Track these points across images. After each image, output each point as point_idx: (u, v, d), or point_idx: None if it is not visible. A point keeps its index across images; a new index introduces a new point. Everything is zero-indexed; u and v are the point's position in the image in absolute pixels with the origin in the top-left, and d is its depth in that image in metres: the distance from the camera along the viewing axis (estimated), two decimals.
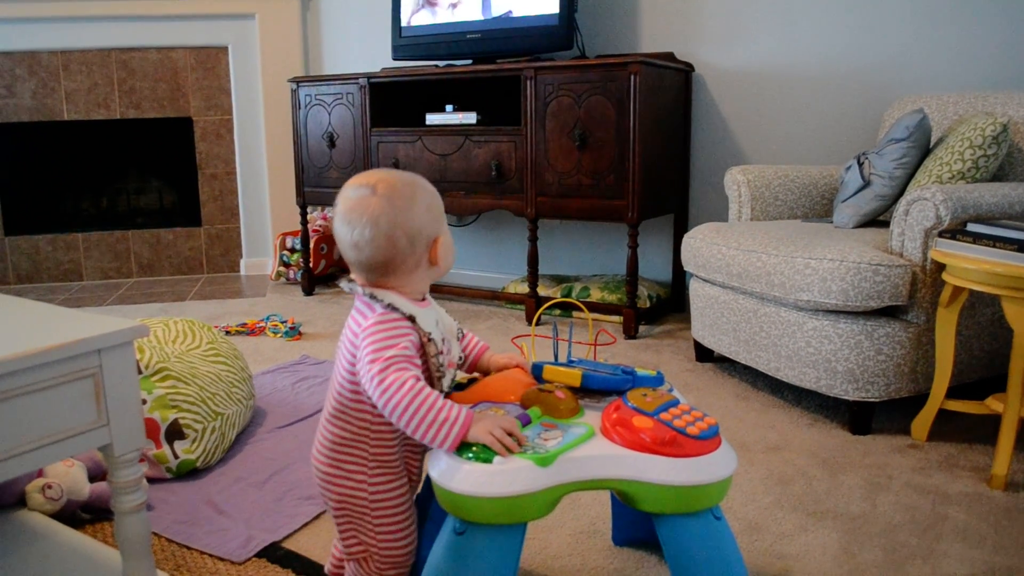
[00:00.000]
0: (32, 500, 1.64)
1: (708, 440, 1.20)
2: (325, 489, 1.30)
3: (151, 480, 1.92)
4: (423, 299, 1.31)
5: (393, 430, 1.26)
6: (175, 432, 1.94)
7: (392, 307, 1.22)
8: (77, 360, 1.19)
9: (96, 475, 1.82)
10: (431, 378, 1.27)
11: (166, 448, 1.93)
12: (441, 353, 1.28)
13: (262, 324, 3.42)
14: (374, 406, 1.21)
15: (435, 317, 1.30)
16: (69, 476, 1.71)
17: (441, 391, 1.28)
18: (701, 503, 1.20)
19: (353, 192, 1.25)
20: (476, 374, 1.45)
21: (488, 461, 1.13)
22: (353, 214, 1.23)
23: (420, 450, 1.34)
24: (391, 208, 1.22)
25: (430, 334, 1.25)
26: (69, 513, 1.70)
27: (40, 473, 1.69)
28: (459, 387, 1.38)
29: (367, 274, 1.27)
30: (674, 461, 1.17)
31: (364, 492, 1.28)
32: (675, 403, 1.26)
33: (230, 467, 2.03)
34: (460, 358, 1.40)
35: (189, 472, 1.97)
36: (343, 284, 1.30)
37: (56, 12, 4.41)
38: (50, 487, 1.66)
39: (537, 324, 3.38)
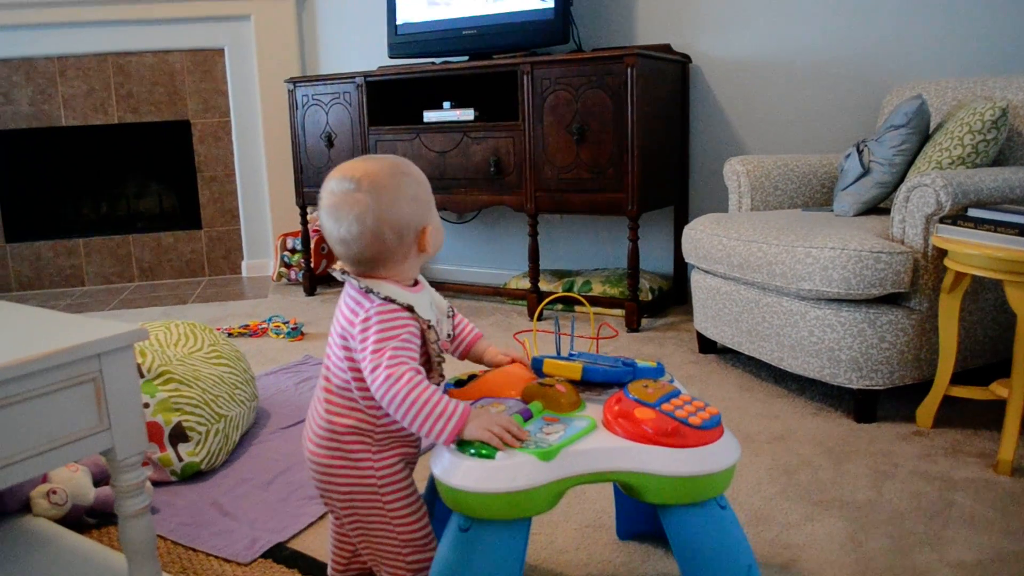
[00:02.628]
0: (37, 506, 1.64)
1: (710, 430, 1.20)
2: (328, 485, 1.28)
3: (156, 483, 1.92)
4: (415, 283, 1.31)
5: (388, 417, 1.26)
6: (179, 435, 1.94)
7: (389, 299, 1.21)
8: (77, 365, 1.19)
9: (101, 480, 1.82)
10: (431, 363, 1.27)
11: (170, 451, 1.93)
12: (441, 336, 1.28)
13: (264, 325, 3.42)
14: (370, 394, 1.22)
15: (429, 300, 1.30)
16: (74, 481, 1.71)
17: (441, 375, 1.29)
18: (705, 493, 1.20)
19: (337, 186, 1.22)
20: (477, 370, 1.44)
21: (491, 457, 1.13)
22: (339, 209, 1.21)
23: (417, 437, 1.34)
24: (376, 202, 1.20)
25: (429, 321, 1.25)
26: (74, 518, 1.70)
27: (45, 479, 1.69)
28: (459, 383, 1.38)
29: (356, 267, 1.27)
30: (677, 452, 1.17)
31: (372, 478, 1.26)
32: (676, 393, 1.26)
33: (234, 469, 2.03)
34: (449, 335, 1.39)
35: (194, 474, 1.97)
36: (335, 272, 1.29)
37: (51, 18, 4.40)
38: (55, 492, 1.65)
39: (539, 319, 3.37)
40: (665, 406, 1.21)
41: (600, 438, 1.20)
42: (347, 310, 1.26)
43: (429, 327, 1.24)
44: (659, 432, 1.17)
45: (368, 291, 1.22)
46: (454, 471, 1.14)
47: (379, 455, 1.27)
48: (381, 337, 1.18)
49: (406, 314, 1.22)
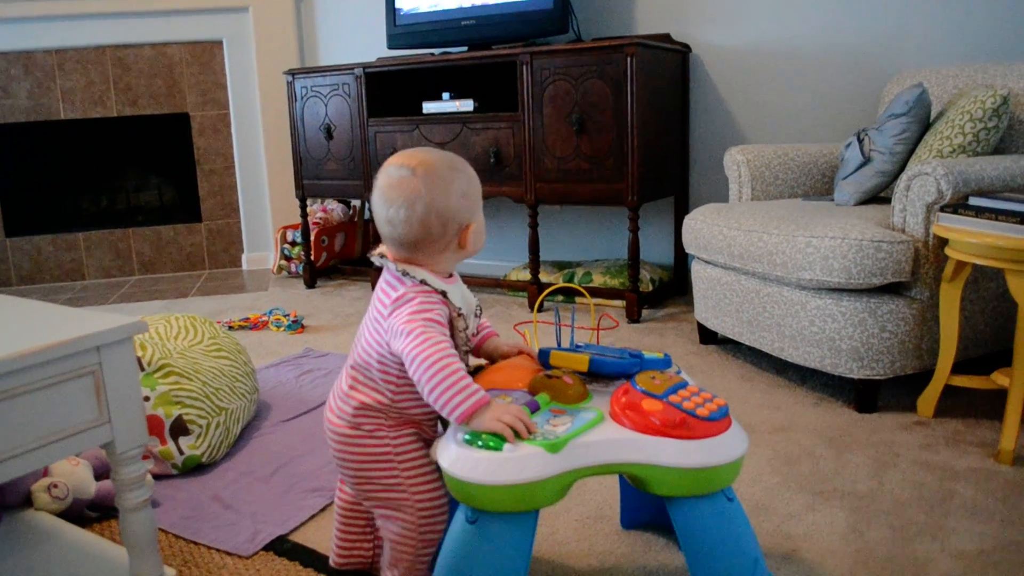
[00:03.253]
0: (38, 500, 1.64)
1: (718, 421, 1.19)
2: (344, 454, 1.32)
3: (157, 477, 1.92)
4: (450, 276, 1.34)
5: (414, 398, 1.28)
6: (179, 428, 1.94)
7: (424, 282, 1.26)
8: (76, 358, 1.19)
9: (102, 473, 1.82)
10: (458, 351, 1.28)
11: (171, 444, 1.93)
12: (468, 328, 1.32)
13: (265, 318, 3.41)
14: (398, 378, 1.26)
15: (460, 293, 1.33)
16: (75, 475, 1.71)
17: (466, 365, 1.31)
18: (713, 485, 1.19)
19: (395, 171, 1.27)
20: (482, 361, 1.44)
21: (498, 449, 1.13)
22: (392, 191, 1.26)
23: (433, 418, 1.36)
24: (428, 191, 1.25)
25: (460, 309, 1.29)
26: (76, 512, 1.70)
27: (46, 472, 1.69)
28: None
29: (397, 249, 1.30)
30: (685, 443, 1.16)
31: (388, 448, 1.30)
32: (684, 385, 1.25)
33: (235, 462, 2.03)
34: (473, 332, 1.41)
35: (195, 468, 1.97)
36: (374, 257, 1.33)
37: (50, 11, 4.39)
38: (56, 486, 1.65)
39: (539, 310, 3.37)
40: (672, 397, 1.21)
41: (608, 430, 1.19)
42: (382, 294, 1.29)
43: (459, 314, 1.28)
44: (667, 424, 1.16)
45: (404, 274, 1.26)
46: (462, 463, 1.14)
47: (395, 429, 1.31)
48: (416, 311, 1.22)
49: (438, 297, 1.26)
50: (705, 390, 1.26)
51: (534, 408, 1.21)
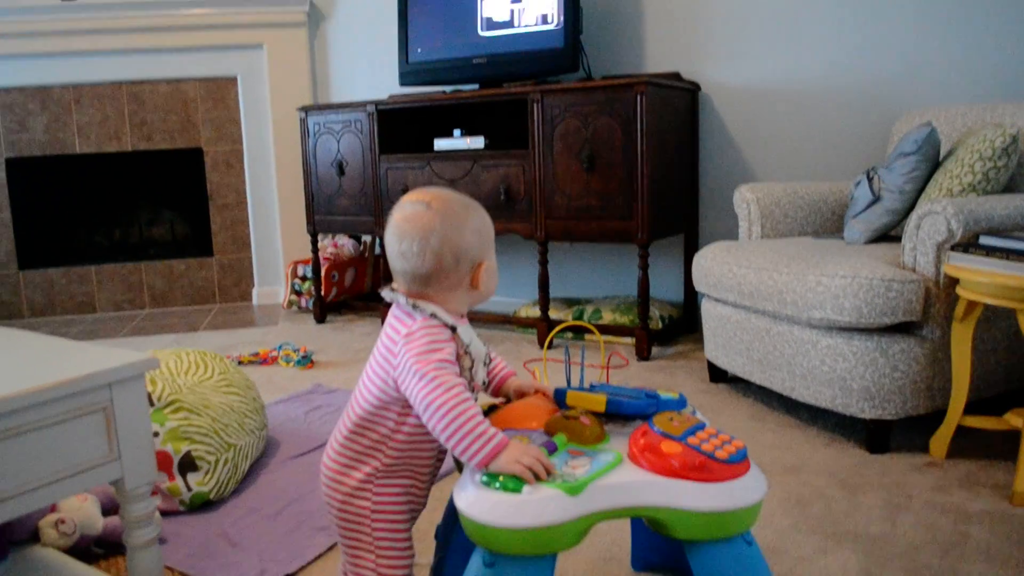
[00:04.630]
0: (46, 535, 1.64)
1: (737, 464, 1.18)
2: (331, 491, 1.30)
3: (164, 513, 1.92)
4: (461, 318, 1.32)
5: (407, 446, 1.26)
6: (188, 464, 1.94)
7: (434, 316, 1.24)
8: (87, 395, 1.19)
9: (110, 509, 1.81)
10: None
11: (179, 480, 1.93)
12: (474, 369, 1.29)
13: (274, 353, 3.42)
14: (399, 416, 1.24)
15: (471, 335, 1.31)
16: (82, 511, 1.71)
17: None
18: (734, 528, 1.17)
19: (409, 206, 1.28)
20: (497, 400, 1.43)
21: (517, 491, 1.11)
22: (406, 224, 1.26)
23: (428, 479, 1.33)
24: (442, 225, 1.25)
25: (468, 345, 1.27)
26: (83, 548, 1.69)
27: (53, 508, 1.69)
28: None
29: (409, 284, 1.29)
30: (706, 486, 1.14)
31: (367, 500, 1.27)
32: (702, 426, 1.24)
33: (243, 499, 2.02)
34: (484, 382, 1.40)
35: (202, 504, 1.96)
36: (385, 293, 1.31)
37: (67, 47, 4.47)
38: (63, 522, 1.65)
39: (549, 348, 3.36)
40: (691, 439, 1.19)
41: (627, 472, 1.17)
42: (391, 329, 1.28)
43: (466, 352, 1.26)
44: (686, 466, 1.15)
45: (415, 307, 1.25)
46: (480, 505, 1.11)
47: (382, 482, 1.28)
48: (427, 348, 1.20)
49: (448, 334, 1.24)
50: (723, 432, 1.24)
51: (552, 449, 1.19)
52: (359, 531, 1.29)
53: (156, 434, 1.93)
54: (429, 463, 1.31)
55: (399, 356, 1.22)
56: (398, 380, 1.21)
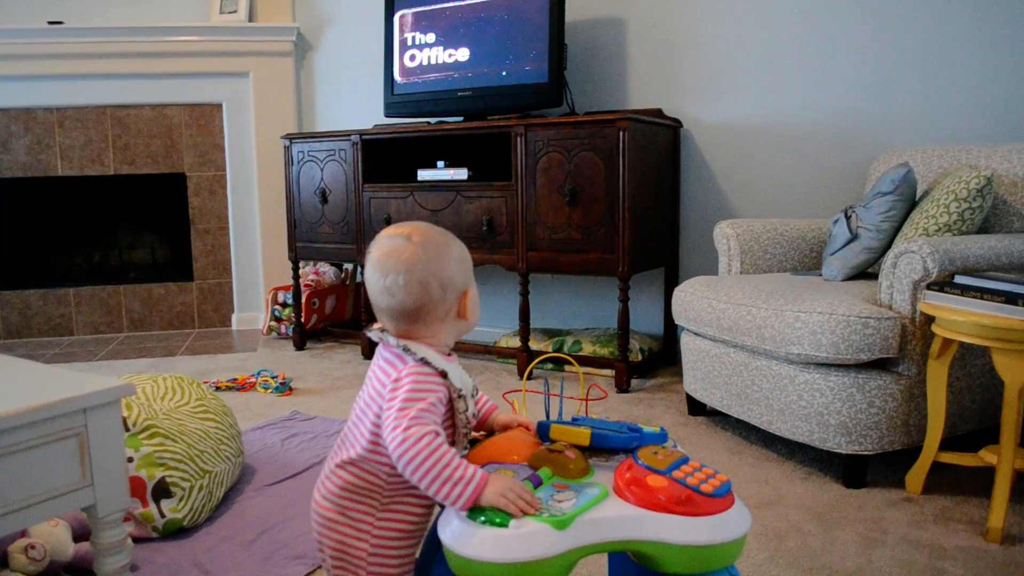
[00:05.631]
0: (15, 561, 1.61)
1: (722, 498, 1.18)
2: (323, 536, 1.27)
3: (137, 539, 1.89)
4: (449, 354, 1.31)
5: (405, 485, 1.24)
6: (162, 490, 1.92)
7: (425, 361, 1.22)
8: (62, 420, 1.18)
9: (81, 535, 1.79)
10: (457, 432, 1.26)
11: (152, 507, 1.91)
12: (468, 410, 1.28)
13: (252, 379, 3.40)
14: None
15: (459, 373, 1.30)
16: (53, 536, 1.68)
17: (465, 446, 1.28)
18: (720, 562, 1.17)
19: (388, 241, 1.26)
20: (479, 434, 1.42)
21: (504, 525, 1.10)
22: (388, 260, 1.24)
23: (428, 510, 1.31)
24: (426, 255, 1.24)
25: (460, 390, 1.25)
26: (52, 574, 1.67)
27: (23, 533, 1.66)
28: None
29: (396, 322, 1.27)
30: (692, 520, 1.14)
31: (365, 543, 1.25)
32: (685, 460, 1.24)
33: (217, 526, 2.00)
34: (474, 414, 1.38)
35: (176, 531, 1.94)
36: (372, 334, 1.29)
37: (52, 70, 4.47)
38: (33, 547, 1.63)
39: (529, 378, 3.36)
40: (676, 473, 1.19)
41: (613, 506, 1.17)
42: (380, 372, 1.26)
43: (459, 396, 1.25)
44: (672, 500, 1.15)
45: (406, 350, 1.23)
46: (466, 540, 1.10)
47: (382, 516, 1.25)
48: (409, 398, 1.18)
49: (439, 380, 1.22)
50: (707, 466, 1.25)
51: (537, 483, 1.18)
52: (354, 572, 1.26)
53: (130, 459, 1.91)
54: (428, 498, 1.28)
55: (387, 400, 1.20)
56: (382, 428, 1.20)
